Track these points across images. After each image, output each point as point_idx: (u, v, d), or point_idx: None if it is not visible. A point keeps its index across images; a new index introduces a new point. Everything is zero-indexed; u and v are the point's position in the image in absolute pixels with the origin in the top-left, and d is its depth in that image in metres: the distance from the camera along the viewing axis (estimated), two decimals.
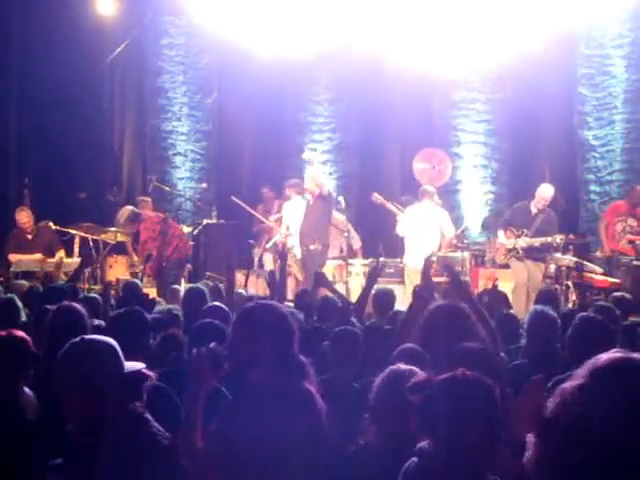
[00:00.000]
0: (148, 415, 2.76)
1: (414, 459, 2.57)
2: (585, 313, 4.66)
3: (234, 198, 11.79)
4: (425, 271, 4.96)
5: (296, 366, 2.94)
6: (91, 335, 2.87)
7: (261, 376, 2.89)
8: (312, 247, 10.29)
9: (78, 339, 2.76)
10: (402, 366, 2.97)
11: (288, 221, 11.02)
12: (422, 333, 3.63)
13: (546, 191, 10.40)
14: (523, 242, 10.06)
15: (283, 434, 2.80)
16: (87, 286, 10.00)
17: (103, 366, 2.65)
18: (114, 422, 2.65)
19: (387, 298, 6.75)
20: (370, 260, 11.48)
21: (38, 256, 10.19)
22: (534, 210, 10.25)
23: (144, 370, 2.78)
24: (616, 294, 6.88)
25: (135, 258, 11.04)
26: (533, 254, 10.09)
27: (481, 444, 2.44)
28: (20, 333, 3.59)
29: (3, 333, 3.57)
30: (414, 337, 3.76)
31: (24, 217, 10.53)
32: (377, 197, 11.62)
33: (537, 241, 10.01)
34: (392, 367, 2.98)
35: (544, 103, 13.28)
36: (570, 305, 9.69)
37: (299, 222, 10.74)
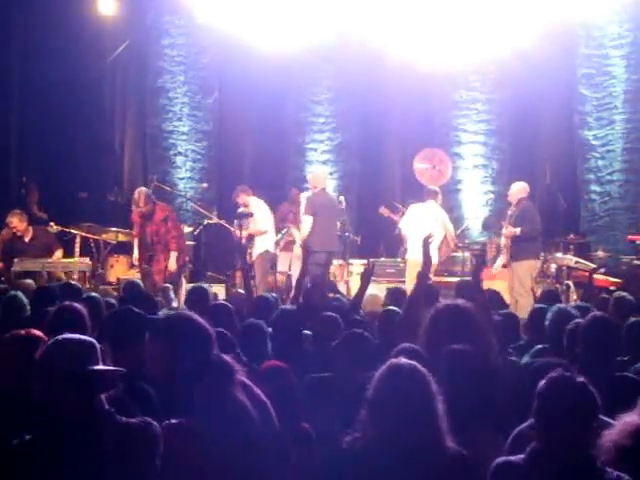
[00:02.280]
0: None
1: (512, 458, 2.65)
2: (599, 313, 4.64)
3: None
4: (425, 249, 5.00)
5: (219, 369, 3.00)
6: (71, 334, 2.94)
7: (186, 386, 2.94)
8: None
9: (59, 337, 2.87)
10: (403, 360, 2.95)
11: (269, 222, 11.02)
12: (428, 332, 3.61)
13: (511, 186, 10.59)
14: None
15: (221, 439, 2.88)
16: (89, 286, 10.01)
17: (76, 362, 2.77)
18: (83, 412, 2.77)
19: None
20: (371, 260, 11.51)
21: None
22: (512, 208, 10.39)
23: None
24: (616, 294, 6.87)
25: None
26: (514, 253, 10.08)
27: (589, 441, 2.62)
28: None
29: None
30: (420, 335, 3.76)
31: (15, 221, 10.27)
32: (384, 210, 11.68)
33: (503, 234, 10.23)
34: (393, 360, 2.96)
35: (544, 103, 13.30)
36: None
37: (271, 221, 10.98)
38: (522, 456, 2.71)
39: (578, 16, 12.36)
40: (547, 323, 5.07)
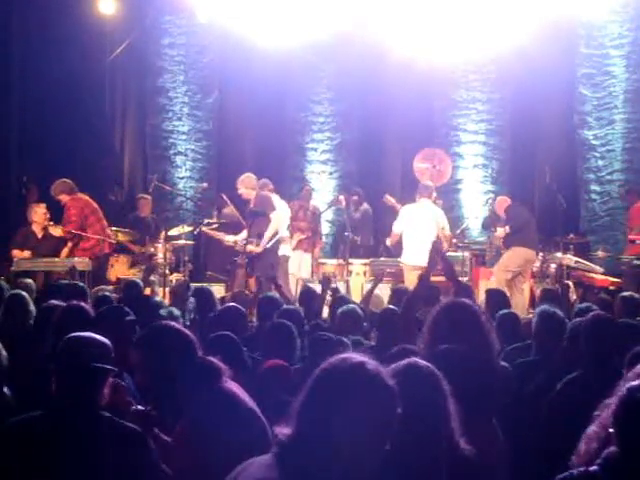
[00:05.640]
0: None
1: (590, 469, 2.59)
2: (600, 312, 4.66)
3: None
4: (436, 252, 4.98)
5: (206, 371, 3.12)
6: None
7: (177, 389, 3.06)
8: None
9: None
10: (420, 361, 2.92)
11: (285, 227, 10.93)
12: (431, 330, 3.60)
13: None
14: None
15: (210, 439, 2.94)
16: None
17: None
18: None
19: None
20: (371, 260, 11.51)
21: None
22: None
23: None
24: (625, 294, 6.85)
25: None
26: (506, 245, 10.54)
27: None
28: None
29: None
30: (419, 333, 3.76)
31: (43, 208, 10.38)
32: (389, 199, 11.66)
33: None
34: (410, 361, 2.93)
35: (544, 103, 13.30)
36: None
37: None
38: (599, 462, 2.62)
39: (578, 16, 12.37)
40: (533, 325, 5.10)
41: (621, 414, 2.57)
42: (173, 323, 3.31)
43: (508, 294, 9.51)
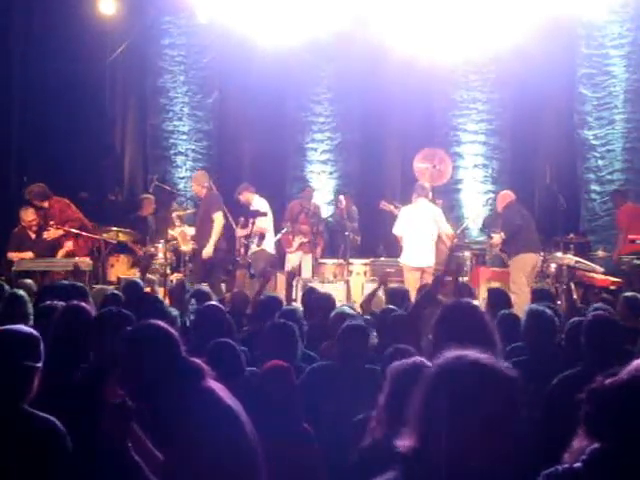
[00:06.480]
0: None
1: (577, 465, 2.56)
2: (600, 313, 4.67)
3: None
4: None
5: (187, 371, 3.11)
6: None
7: (154, 387, 3.06)
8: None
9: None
10: (427, 361, 2.91)
11: (271, 222, 11.07)
12: (437, 330, 3.59)
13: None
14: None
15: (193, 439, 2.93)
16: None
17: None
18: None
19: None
20: (371, 260, 11.51)
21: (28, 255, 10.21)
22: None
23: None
24: (627, 294, 6.84)
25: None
26: (509, 253, 10.45)
27: None
28: None
29: None
30: (427, 334, 3.76)
31: (30, 215, 10.29)
32: (385, 205, 11.65)
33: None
34: (416, 359, 2.91)
35: (544, 103, 13.31)
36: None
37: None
38: (583, 459, 2.59)
39: (578, 16, 12.38)
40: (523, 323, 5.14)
41: (590, 409, 2.55)
42: (159, 322, 3.28)
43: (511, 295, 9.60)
